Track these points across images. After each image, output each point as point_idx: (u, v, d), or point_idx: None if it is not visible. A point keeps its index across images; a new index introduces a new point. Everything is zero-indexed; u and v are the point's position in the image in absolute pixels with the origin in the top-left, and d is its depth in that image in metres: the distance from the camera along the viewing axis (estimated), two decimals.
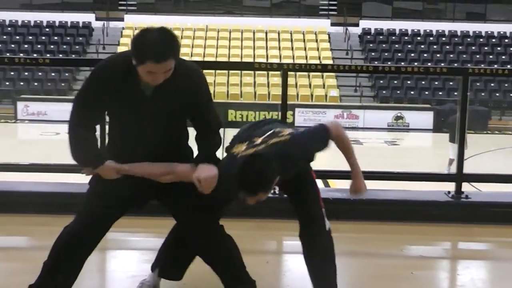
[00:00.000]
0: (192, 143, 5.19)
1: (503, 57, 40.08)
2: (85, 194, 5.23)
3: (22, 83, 37.08)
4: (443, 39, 41.47)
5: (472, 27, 41.95)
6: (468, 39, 41.34)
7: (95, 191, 5.23)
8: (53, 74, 37.43)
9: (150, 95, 4.96)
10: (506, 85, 37.59)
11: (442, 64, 36.24)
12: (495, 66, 35.78)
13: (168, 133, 5.14)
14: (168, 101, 4.99)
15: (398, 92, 36.89)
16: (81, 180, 7.68)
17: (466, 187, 7.77)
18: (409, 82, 37.41)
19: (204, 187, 4.96)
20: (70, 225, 5.18)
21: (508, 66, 35.54)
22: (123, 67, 4.93)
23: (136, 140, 5.10)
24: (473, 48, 40.78)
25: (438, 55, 39.82)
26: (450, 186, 7.68)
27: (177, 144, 5.27)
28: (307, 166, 5.35)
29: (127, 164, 5.00)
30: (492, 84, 37.24)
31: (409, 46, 40.97)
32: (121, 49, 38.87)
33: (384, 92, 37.18)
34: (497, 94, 37.07)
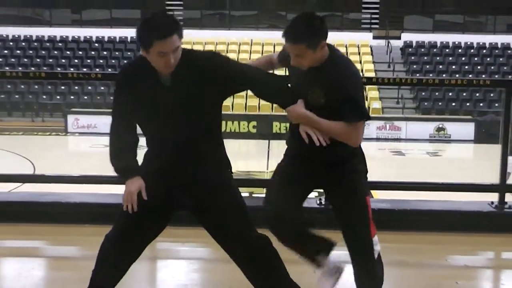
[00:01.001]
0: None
1: None
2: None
3: (72, 97, 37.35)
4: (484, 51, 41.27)
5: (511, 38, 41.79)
6: (509, 51, 41.08)
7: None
8: (102, 88, 37.64)
9: (169, 85, 4.93)
10: None
11: (483, 76, 36.06)
12: None
13: (195, 119, 5.02)
14: (189, 88, 4.93)
15: (440, 103, 36.74)
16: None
17: (509, 197, 7.72)
18: (450, 93, 37.23)
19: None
20: (111, 232, 5.24)
21: None
22: (141, 66, 4.97)
23: (168, 132, 5.02)
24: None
25: (479, 67, 39.63)
26: (494, 197, 7.63)
27: (210, 128, 5.15)
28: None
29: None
30: None
31: (451, 58, 40.78)
32: None
33: (425, 103, 37.04)
34: None
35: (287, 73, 5.17)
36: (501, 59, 40.46)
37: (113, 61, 40.21)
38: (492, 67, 39.66)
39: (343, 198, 5.13)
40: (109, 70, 38.48)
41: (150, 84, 4.92)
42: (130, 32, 41.36)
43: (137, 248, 5.21)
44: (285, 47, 4.84)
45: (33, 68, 36.85)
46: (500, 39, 41.60)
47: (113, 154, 5.19)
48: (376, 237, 5.17)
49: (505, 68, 39.51)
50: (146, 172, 5.05)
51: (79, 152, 31.16)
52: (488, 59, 40.61)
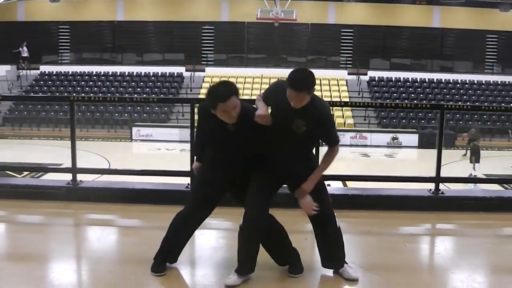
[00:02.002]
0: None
1: (465, 97, 39.83)
2: (192, 186, 5.39)
3: (136, 114, 37.43)
4: (425, 84, 41.23)
5: (443, 76, 41.71)
6: (441, 85, 41.15)
7: (199, 184, 5.44)
8: (156, 108, 37.74)
9: (232, 130, 5.02)
10: (466, 116, 37.30)
11: (424, 101, 36.05)
12: (459, 103, 35.54)
13: (244, 155, 5.15)
14: (244, 134, 5.02)
15: (394, 120, 36.67)
16: (176, 181, 7.81)
17: (441, 186, 7.71)
18: (401, 113, 37.16)
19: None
20: (183, 210, 5.36)
21: (468, 103, 35.20)
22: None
23: (224, 159, 5.18)
24: (444, 90, 40.58)
25: (421, 95, 39.59)
26: (431, 186, 7.63)
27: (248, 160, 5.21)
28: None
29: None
30: (458, 115, 36.96)
31: (402, 89, 40.77)
32: (203, 91, 39.18)
33: (384, 120, 36.98)
34: (461, 122, 36.81)
35: (270, 110, 5.09)
36: (436, 90, 40.52)
37: (164, 89, 40.29)
38: (430, 95, 39.69)
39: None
40: (161, 96, 38.62)
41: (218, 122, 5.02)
42: (176, 69, 41.56)
43: (208, 212, 5.42)
44: (289, 94, 4.79)
45: (109, 95, 37.04)
46: (436, 76, 41.58)
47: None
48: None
49: (438, 96, 39.58)
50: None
51: (140, 154, 31.26)
52: (427, 89, 40.64)
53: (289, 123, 4.92)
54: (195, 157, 5.65)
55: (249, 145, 5.11)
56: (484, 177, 18.48)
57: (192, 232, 5.38)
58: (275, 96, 5.08)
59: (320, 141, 5.42)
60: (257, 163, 5.16)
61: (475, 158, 22.37)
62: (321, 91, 39.53)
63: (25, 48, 41.71)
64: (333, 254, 5.27)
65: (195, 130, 5.67)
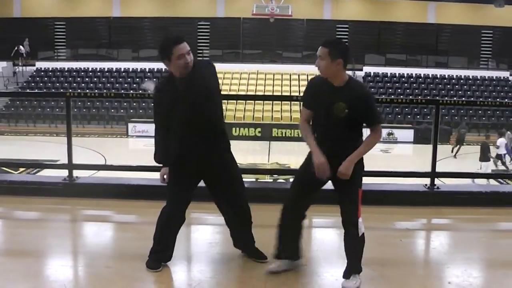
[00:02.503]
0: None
1: (460, 92, 39.88)
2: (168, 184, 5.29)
3: (132, 110, 37.43)
4: (420, 79, 41.33)
5: (439, 71, 41.77)
6: (437, 80, 41.23)
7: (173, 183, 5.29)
8: (152, 104, 37.54)
9: (183, 90, 5.00)
10: (462, 111, 37.41)
11: (419, 97, 36.10)
12: (454, 98, 35.62)
13: (206, 115, 5.05)
14: (196, 92, 5.00)
15: (390, 116, 36.73)
16: None
17: (437, 181, 7.72)
18: (397, 109, 37.27)
19: None
20: (165, 208, 5.31)
21: (463, 98, 35.17)
22: (167, 80, 5.16)
23: (186, 122, 5.07)
24: (439, 86, 40.65)
25: (416, 91, 39.69)
26: (426, 181, 7.64)
27: (215, 121, 5.18)
28: (358, 181, 5.01)
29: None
30: (453, 111, 37.06)
31: (397, 84, 40.89)
32: None
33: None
34: (456, 117, 36.90)
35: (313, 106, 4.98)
36: (431, 85, 40.61)
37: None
38: (425, 91, 39.79)
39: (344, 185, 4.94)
40: None
41: (172, 89, 5.07)
42: None
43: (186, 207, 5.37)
44: (318, 53, 4.80)
45: (105, 91, 37.00)
46: (431, 71, 41.65)
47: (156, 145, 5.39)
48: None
49: (434, 91, 39.64)
50: None
51: (136, 150, 31.23)
52: (423, 85, 40.75)
53: (330, 108, 4.78)
54: (159, 162, 5.42)
55: (209, 107, 5.07)
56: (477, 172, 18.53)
57: (178, 229, 5.34)
58: (312, 90, 5.02)
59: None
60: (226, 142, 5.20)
61: (483, 156, 22.41)
62: None
63: (26, 42, 41.75)
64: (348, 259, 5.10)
65: (155, 126, 5.39)
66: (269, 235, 5.27)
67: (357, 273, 4.97)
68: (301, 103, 5.13)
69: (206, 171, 5.22)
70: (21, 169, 17.67)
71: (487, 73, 42.71)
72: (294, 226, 5.21)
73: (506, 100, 37.37)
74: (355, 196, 4.95)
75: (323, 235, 6.68)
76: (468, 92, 40.05)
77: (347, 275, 4.99)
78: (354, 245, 4.97)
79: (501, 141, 24.22)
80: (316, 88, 4.97)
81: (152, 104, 5.36)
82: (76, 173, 7.85)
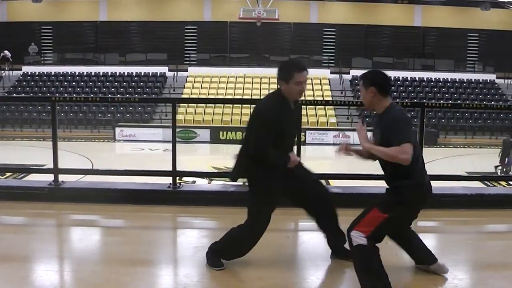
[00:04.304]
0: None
1: (446, 95, 40.06)
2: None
3: (119, 115, 37.33)
4: (407, 83, 41.47)
5: (425, 74, 41.93)
6: (423, 83, 41.40)
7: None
8: (139, 108, 37.68)
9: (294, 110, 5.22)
10: (449, 114, 37.57)
11: (406, 100, 36.16)
12: (441, 101, 35.79)
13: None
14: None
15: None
16: (159, 181, 7.80)
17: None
18: None
19: None
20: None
21: (450, 101, 35.28)
22: (282, 100, 5.09)
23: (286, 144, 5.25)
24: (426, 89, 40.82)
25: (403, 94, 39.80)
26: None
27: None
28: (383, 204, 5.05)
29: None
30: (440, 114, 37.19)
31: None
32: (186, 91, 39.22)
33: (367, 119, 37.04)
34: (443, 120, 37.09)
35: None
36: (418, 88, 40.76)
37: (147, 89, 40.23)
38: (412, 94, 39.94)
39: None
40: (144, 96, 38.62)
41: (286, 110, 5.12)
42: (159, 69, 41.48)
43: None
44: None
45: (92, 95, 36.94)
46: (418, 74, 41.83)
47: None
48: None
49: (420, 94, 39.82)
50: None
51: (123, 154, 31.20)
52: (409, 88, 40.88)
53: (376, 133, 4.96)
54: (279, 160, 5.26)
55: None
56: (466, 174, 18.60)
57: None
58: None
59: None
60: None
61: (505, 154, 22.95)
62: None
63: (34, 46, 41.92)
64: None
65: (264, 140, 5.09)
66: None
67: None
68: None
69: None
70: (8, 174, 17.58)
71: (473, 76, 42.94)
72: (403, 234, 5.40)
73: (493, 102, 37.58)
74: (368, 211, 5.04)
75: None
76: (455, 95, 40.22)
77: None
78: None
79: None
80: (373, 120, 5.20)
81: (263, 120, 5.09)
82: (63, 177, 7.82)
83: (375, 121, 5.00)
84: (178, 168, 7.66)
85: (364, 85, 4.95)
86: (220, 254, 5.30)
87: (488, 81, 42.51)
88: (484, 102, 36.26)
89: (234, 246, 5.30)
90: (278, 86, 5.14)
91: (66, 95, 36.08)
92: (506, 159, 23.41)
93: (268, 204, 5.20)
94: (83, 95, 36.93)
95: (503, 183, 17.99)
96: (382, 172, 5.25)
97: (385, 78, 4.96)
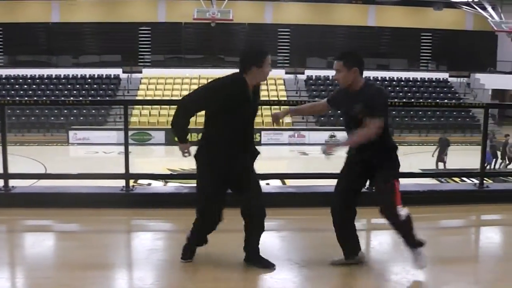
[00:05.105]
0: None
1: (401, 94, 40.53)
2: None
3: (72, 118, 36.94)
4: None
5: (380, 74, 42.29)
6: (377, 82, 41.69)
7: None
8: (93, 111, 37.38)
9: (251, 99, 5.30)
10: (403, 112, 38.07)
11: None
12: (395, 100, 36.16)
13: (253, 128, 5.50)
14: (257, 104, 5.47)
15: (332, 118, 36.99)
16: (113, 184, 7.75)
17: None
18: (338, 111, 37.51)
19: None
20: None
21: (404, 100, 35.56)
22: (242, 84, 5.26)
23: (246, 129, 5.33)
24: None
25: None
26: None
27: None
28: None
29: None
30: (394, 112, 37.60)
31: (338, 87, 41.14)
32: (140, 93, 39.00)
33: (322, 118, 37.34)
34: (397, 119, 37.55)
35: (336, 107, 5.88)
36: None
37: (101, 92, 39.92)
38: None
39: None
40: (98, 98, 38.37)
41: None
42: (113, 71, 41.15)
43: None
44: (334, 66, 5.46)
45: (44, 98, 36.44)
46: (372, 74, 42.03)
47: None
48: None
49: None
50: None
51: (77, 157, 30.93)
52: None
53: (349, 108, 5.40)
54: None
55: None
56: (420, 171, 18.88)
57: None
58: (337, 96, 5.81)
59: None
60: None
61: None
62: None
63: None
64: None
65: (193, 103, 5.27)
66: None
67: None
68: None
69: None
70: None
71: (427, 75, 43.58)
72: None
73: (446, 100, 38.21)
74: (389, 188, 5.46)
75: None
76: (409, 94, 40.73)
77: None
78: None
79: None
80: (338, 97, 5.77)
81: (205, 94, 5.25)
82: (14, 183, 7.71)
83: (350, 96, 5.41)
84: (133, 171, 7.63)
85: (346, 65, 5.37)
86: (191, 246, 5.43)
87: (441, 79, 43.19)
88: (438, 101, 36.83)
89: (193, 235, 5.41)
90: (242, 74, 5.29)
91: (17, 98, 35.55)
92: (445, 157, 23.99)
93: (209, 187, 5.22)
94: (35, 98, 36.44)
95: (457, 179, 18.31)
96: (335, 172, 5.40)
97: (362, 59, 5.48)
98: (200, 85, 5.46)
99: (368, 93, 5.31)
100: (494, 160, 25.64)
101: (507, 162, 26.38)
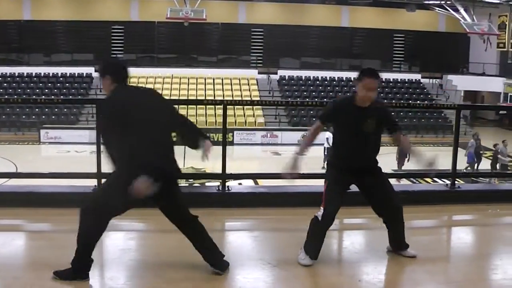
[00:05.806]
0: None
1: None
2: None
3: (44, 116, 36.63)
4: (334, 83, 42.09)
5: (353, 74, 42.17)
6: (350, 83, 41.89)
7: None
8: (65, 109, 37.08)
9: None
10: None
11: (325, 99, 36.73)
12: None
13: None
14: None
15: (304, 118, 37.09)
16: (84, 183, 7.70)
17: None
18: (311, 111, 37.59)
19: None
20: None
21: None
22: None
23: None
24: (353, 88, 41.22)
25: (331, 93, 40.24)
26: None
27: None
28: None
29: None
30: None
31: (312, 87, 41.41)
32: None
33: (295, 119, 37.44)
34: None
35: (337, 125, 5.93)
36: (345, 88, 41.26)
37: (73, 90, 39.66)
38: (340, 93, 40.40)
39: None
40: (70, 97, 38.08)
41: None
42: (85, 70, 40.88)
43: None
44: (371, 85, 5.58)
45: (15, 96, 36.06)
46: (345, 74, 42.31)
47: None
48: None
49: (348, 94, 40.09)
50: None
51: (48, 156, 30.68)
52: (337, 88, 41.40)
53: (361, 124, 5.56)
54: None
55: None
56: (392, 172, 19.02)
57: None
58: (339, 112, 5.82)
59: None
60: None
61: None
62: (231, 90, 39.75)
63: None
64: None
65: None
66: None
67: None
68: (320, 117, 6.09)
69: None
70: None
71: (399, 76, 43.89)
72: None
73: (418, 101, 38.47)
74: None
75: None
76: (382, 94, 40.89)
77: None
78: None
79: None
80: (343, 112, 5.79)
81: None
82: None
83: (367, 113, 5.58)
84: (104, 171, 7.58)
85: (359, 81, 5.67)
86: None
87: (414, 80, 43.53)
88: (410, 101, 37.09)
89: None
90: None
91: None
92: (406, 159, 24.06)
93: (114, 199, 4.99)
94: (6, 96, 36.06)
95: (428, 180, 18.43)
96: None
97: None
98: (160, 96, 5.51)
99: (383, 108, 5.89)
100: (477, 161, 25.65)
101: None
